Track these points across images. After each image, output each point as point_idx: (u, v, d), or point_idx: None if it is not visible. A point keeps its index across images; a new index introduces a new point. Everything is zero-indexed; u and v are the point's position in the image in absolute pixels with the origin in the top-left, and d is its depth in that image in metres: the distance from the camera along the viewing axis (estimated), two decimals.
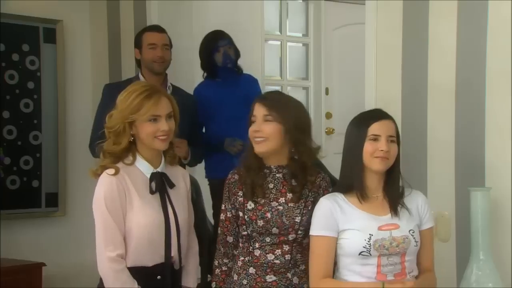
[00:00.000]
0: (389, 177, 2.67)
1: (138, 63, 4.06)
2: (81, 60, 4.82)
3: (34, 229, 4.55)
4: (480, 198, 2.83)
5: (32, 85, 4.56)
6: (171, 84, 3.97)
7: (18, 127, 4.49)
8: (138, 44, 4.02)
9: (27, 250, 4.38)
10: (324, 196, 2.72)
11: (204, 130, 4.24)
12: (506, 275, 2.87)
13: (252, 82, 4.25)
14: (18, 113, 4.49)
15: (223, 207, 2.92)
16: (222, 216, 2.92)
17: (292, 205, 2.78)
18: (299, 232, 2.76)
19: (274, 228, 2.77)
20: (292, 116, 2.80)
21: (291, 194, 2.80)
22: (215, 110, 4.12)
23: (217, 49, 4.13)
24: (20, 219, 4.49)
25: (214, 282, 2.90)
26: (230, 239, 2.89)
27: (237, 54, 4.18)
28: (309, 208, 2.78)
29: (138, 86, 2.78)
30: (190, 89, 4.27)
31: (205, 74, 4.25)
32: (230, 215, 2.88)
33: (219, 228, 2.93)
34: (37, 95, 4.57)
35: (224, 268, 2.88)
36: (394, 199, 2.66)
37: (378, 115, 2.68)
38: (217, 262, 2.91)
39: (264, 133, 2.79)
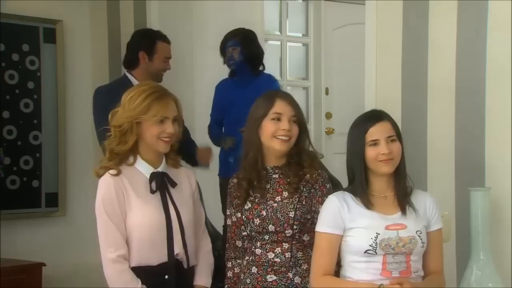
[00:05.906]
0: (396, 175, 2.67)
1: (130, 63, 4.03)
2: (81, 60, 4.81)
3: (34, 229, 4.54)
4: (480, 198, 2.83)
5: (32, 85, 4.56)
6: None
7: (18, 127, 4.49)
8: (149, 49, 3.98)
9: (27, 250, 4.38)
10: (333, 193, 2.71)
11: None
12: (506, 275, 2.87)
13: (268, 83, 4.19)
14: (18, 113, 4.49)
15: (227, 213, 2.94)
16: (228, 222, 2.94)
17: (286, 201, 2.79)
18: (295, 227, 2.76)
19: (270, 225, 2.78)
20: (304, 119, 2.89)
21: (286, 192, 2.81)
22: (227, 108, 4.19)
23: (224, 50, 4.21)
24: (20, 219, 4.49)
25: (226, 285, 2.92)
26: (239, 243, 2.90)
27: (245, 55, 4.17)
28: (303, 203, 2.78)
29: (147, 86, 2.78)
30: (189, 89, 4.28)
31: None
32: (235, 219, 2.89)
33: (227, 234, 2.94)
34: (37, 95, 4.57)
35: (236, 271, 2.89)
36: (403, 197, 2.66)
37: (373, 118, 2.67)
38: (230, 263, 2.93)
39: (292, 132, 2.80)
